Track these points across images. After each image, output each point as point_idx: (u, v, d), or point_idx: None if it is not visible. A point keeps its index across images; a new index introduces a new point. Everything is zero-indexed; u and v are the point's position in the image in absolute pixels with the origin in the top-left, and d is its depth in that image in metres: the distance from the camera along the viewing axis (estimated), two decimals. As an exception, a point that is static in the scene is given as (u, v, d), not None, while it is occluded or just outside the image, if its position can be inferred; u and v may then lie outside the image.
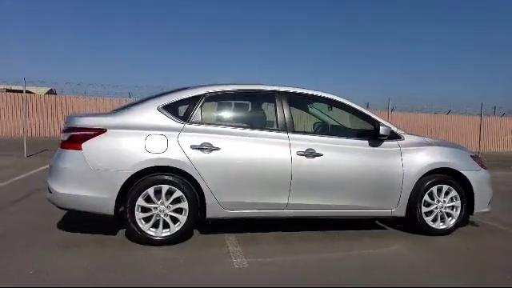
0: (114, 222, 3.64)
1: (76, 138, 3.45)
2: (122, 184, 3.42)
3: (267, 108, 4.05)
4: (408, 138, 4.15)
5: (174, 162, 3.52)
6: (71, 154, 3.44)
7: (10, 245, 3.40)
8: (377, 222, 4.61)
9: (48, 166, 3.75)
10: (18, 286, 2.66)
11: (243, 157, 3.67)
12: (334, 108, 4.31)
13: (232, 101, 4.16)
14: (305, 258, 3.43)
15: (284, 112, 3.89)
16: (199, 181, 3.57)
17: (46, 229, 3.87)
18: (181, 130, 3.60)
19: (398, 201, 4.02)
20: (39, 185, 5.96)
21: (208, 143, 3.60)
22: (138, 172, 3.44)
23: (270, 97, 3.95)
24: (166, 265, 3.10)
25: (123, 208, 3.49)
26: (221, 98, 3.96)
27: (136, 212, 3.48)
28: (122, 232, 3.79)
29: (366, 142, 4.00)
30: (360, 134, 4.10)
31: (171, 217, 3.56)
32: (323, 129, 4.54)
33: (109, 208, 3.44)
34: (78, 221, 4.03)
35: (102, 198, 3.42)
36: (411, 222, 4.15)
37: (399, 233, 4.29)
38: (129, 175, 3.43)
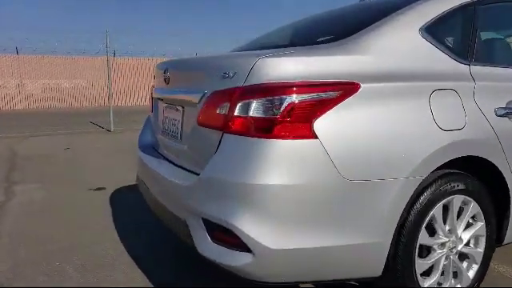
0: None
1: (297, 110, 1.39)
2: (404, 206, 1.52)
3: None
4: None
5: (482, 147, 1.68)
6: (288, 150, 1.37)
7: None
8: None
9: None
10: None
11: None
12: None
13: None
14: None
15: None
16: (508, 178, 1.79)
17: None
18: (473, 79, 1.74)
19: None
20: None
21: (516, 103, 1.80)
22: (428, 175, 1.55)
23: None
24: None
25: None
26: (504, 8, 2.10)
27: (416, 260, 1.62)
28: None
29: None
30: None
31: (460, 255, 1.78)
32: None
33: (379, 262, 1.53)
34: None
35: (371, 244, 1.48)
36: None
37: None
38: (417, 184, 1.52)
